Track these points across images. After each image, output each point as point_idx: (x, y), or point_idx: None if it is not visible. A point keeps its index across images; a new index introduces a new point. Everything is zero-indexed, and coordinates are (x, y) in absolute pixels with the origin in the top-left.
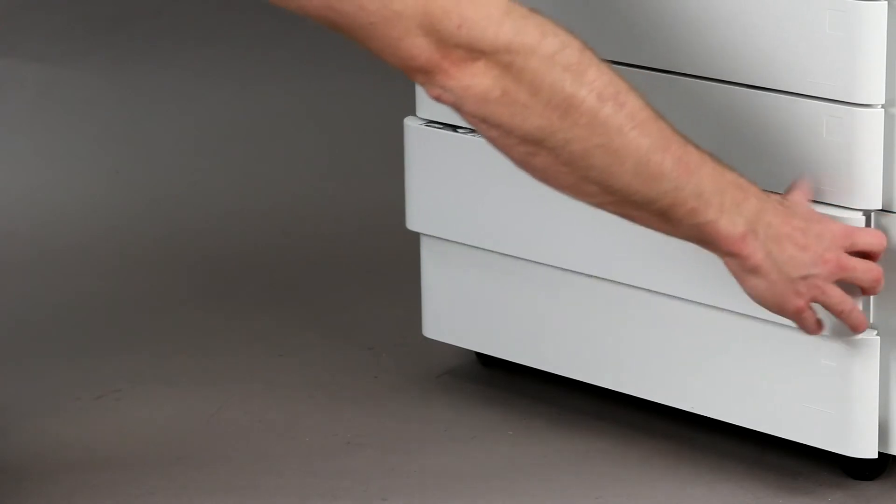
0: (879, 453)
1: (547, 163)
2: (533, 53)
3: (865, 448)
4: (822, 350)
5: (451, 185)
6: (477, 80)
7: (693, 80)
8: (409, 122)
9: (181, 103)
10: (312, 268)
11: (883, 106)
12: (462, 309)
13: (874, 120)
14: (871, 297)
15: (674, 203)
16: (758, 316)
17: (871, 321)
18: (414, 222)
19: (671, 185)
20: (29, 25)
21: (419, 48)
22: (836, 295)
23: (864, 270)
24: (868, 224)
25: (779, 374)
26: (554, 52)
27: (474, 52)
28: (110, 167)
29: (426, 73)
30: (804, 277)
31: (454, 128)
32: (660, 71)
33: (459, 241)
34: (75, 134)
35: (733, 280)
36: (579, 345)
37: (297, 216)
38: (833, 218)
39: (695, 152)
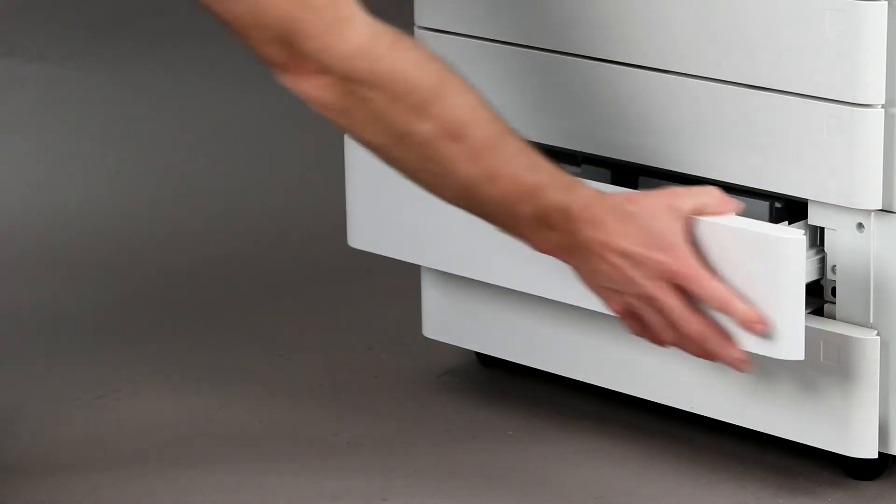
0: (879, 453)
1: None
2: (381, 91)
3: (865, 448)
4: (822, 350)
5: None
6: (321, 92)
7: (693, 80)
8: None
9: (181, 103)
10: (312, 268)
11: (883, 106)
12: (462, 309)
13: (874, 120)
14: (874, 299)
15: (490, 215)
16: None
17: (871, 321)
18: (354, 239)
19: (491, 209)
20: (29, 25)
21: (276, 55)
22: (656, 321)
23: (679, 317)
24: (864, 227)
25: (779, 373)
26: (402, 94)
27: (326, 71)
28: (110, 167)
29: (277, 68)
30: (614, 290)
31: None
32: (660, 71)
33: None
34: (75, 134)
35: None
36: (579, 345)
37: (297, 216)
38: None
39: (529, 179)
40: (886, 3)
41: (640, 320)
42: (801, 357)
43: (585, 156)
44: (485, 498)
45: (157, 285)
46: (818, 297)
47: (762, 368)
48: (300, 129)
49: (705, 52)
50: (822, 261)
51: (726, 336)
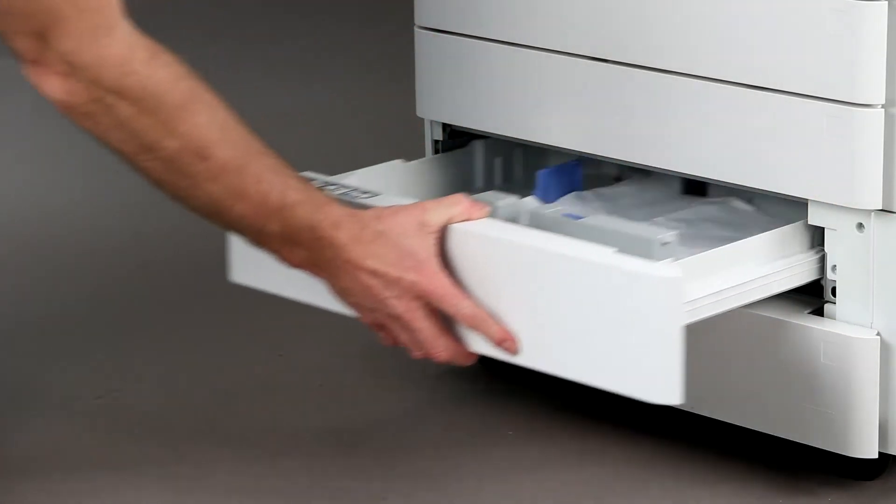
0: (879, 453)
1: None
2: (130, 103)
3: (865, 448)
4: (822, 350)
5: None
6: (65, 93)
7: (693, 79)
8: None
9: None
10: None
11: (883, 106)
12: None
13: (874, 120)
14: (874, 299)
15: (240, 230)
16: (758, 315)
17: (871, 321)
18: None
19: (240, 226)
20: None
21: (28, 47)
22: (406, 339)
23: (427, 340)
24: (864, 227)
25: (779, 373)
26: (151, 109)
27: (73, 73)
28: (110, 167)
29: (25, 61)
30: (366, 308)
31: None
32: (660, 71)
33: None
34: (75, 134)
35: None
36: None
37: None
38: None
39: (278, 199)
40: (886, 3)
41: (390, 332)
42: (678, 401)
43: (585, 156)
44: (484, 498)
45: (157, 285)
46: (818, 297)
47: (762, 368)
48: (301, 129)
49: (705, 52)
50: (822, 261)
51: (470, 354)
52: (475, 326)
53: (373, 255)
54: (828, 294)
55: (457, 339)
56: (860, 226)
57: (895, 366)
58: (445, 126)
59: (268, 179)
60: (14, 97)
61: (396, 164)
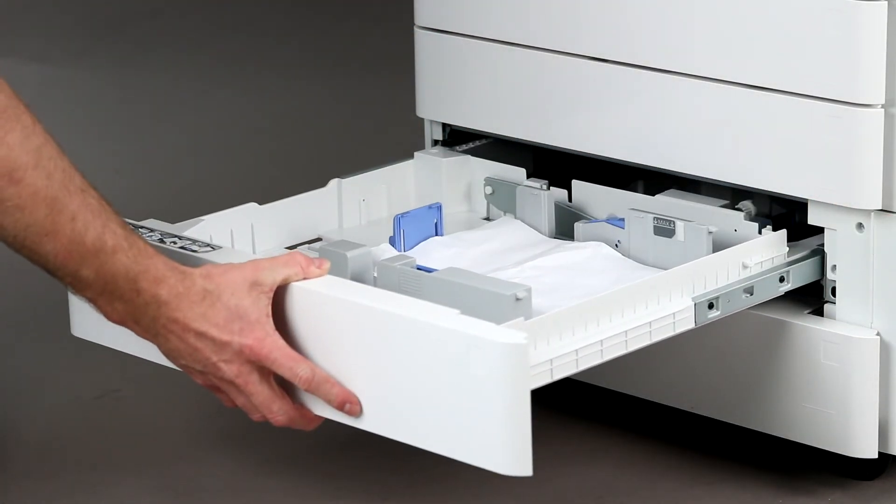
0: (879, 453)
1: None
2: None
3: (865, 448)
4: (822, 350)
5: None
6: None
7: (693, 79)
8: None
9: (181, 103)
10: None
11: (883, 106)
12: None
13: (874, 120)
14: (874, 299)
15: (53, 271)
16: (758, 315)
17: (872, 321)
18: None
19: (53, 265)
20: (29, 25)
21: None
22: (242, 402)
23: (262, 404)
24: (864, 227)
25: (779, 374)
26: None
27: None
28: (110, 167)
29: None
30: (197, 371)
31: None
32: (660, 71)
33: None
34: (75, 134)
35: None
36: None
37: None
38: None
39: (94, 240)
40: (886, 3)
41: (228, 397)
42: (527, 474)
43: (585, 156)
44: (485, 498)
45: None
46: (818, 297)
47: (762, 369)
48: (301, 128)
49: (705, 52)
50: (822, 261)
51: (312, 418)
52: (314, 391)
53: (200, 317)
54: (828, 294)
55: (298, 401)
56: (860, 226)
57: (895, 366)
58: (445, 126)
59: (85, 219)
60: None
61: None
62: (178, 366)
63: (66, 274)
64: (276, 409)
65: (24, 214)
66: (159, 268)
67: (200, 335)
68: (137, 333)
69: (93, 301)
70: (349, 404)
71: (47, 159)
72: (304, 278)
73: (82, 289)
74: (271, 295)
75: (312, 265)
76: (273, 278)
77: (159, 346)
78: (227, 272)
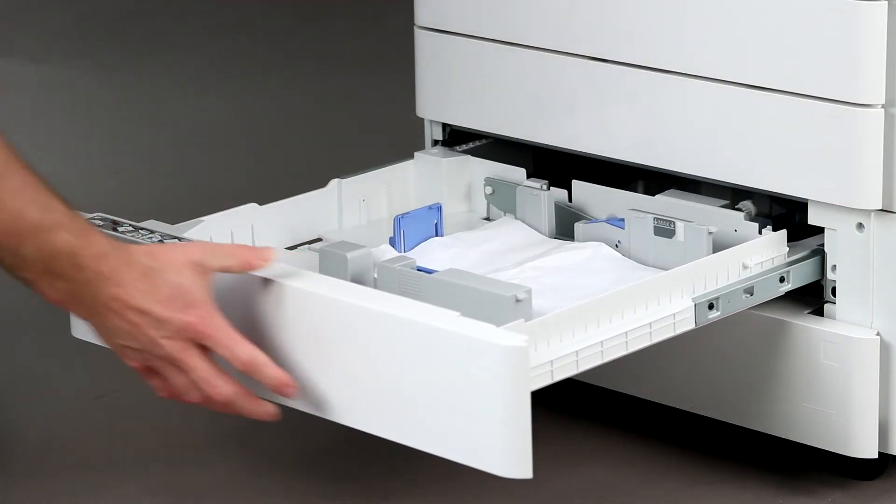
0: (879, 453)
1: None
2: None
3: (865, 448)
4: (822, 350)
5: None
6: None
7: (693, 79)
8: None
9: (181, 103)
10: None
11: (883, 106)
12: None
13: (874, 120)
14: (874, 299)
15: None
16: (758, 315)
17: (872, 321)
18: None
19: (4, 248)
20: (29, 25)
21: None
22: (180, 382)
23: (204, 380)
24: (864, 227)
25: (779, 374)
26: None
27: None
28: (110, 167)
29: None
30: (133, 349)
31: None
32: (660, 71)
33: None
34: (75, 134)
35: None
36: None
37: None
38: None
39: (35, 217)
40: (886, 3)
41: (164, 379)
42: (528, 476)
43: (585, 156)
44: (485, 498)
45: None
46: (818, 297)
47: (763, 369)
48: (301, 128)
49: (706, 53)
50: (822, 261)
51: (252, 395)
52: (252, 372)
53: (143, 293)
54: (828, 294)
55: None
56: (860, 226)
57: (895, 366)
58: (445, 126)
59: (24, 195)
60: (14, 97)
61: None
62: (112, 346)
63: (7, 254)
64: (218, 384)
65: None
66: (102, 244)
67: (142, 312)
68: (77, 314)
69: (33, 283)
70: (287, 387)
71: None
72: (250, 270)
73: (23, 269)
74: (212, 277)
75: (257, 259)
76: (216, 263)
77: (97, 326)
78: (170, 251)
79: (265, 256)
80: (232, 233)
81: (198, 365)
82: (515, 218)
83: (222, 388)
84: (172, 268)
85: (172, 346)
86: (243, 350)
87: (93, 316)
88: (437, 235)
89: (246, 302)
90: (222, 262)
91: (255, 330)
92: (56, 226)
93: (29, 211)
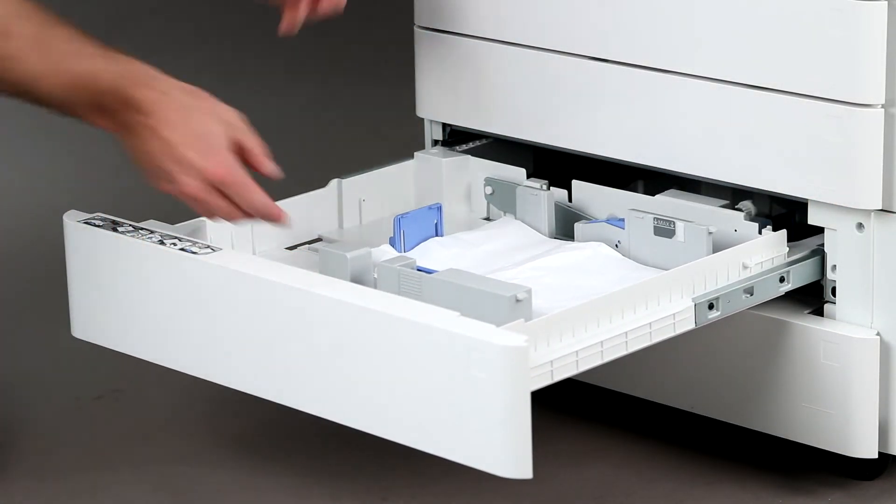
0: (879, 453)
1: None
2: None
3: (865, 448)
4: (822, 350)
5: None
6: None
7: (693, 79)
8: (68, 220)
9: None
10: None
11: (883, 106)
12: None
13: (874, 120)
14: (874, 299)
15: (50, 107)
16: (758, 315)
17: (872, 321)
18: (77, 329)
19: (49, 101)
20: None
21: None
22: (204, 210)
23: (223, 210)
24: (864, 227)
25: (779, 374)
26: None
27: None
28: (110, 167)
29: None
30: (162, 178)
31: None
32: (660, 71)
33: (121, 350)
34: (75, 134)
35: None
36: None
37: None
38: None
39: (81, 67)
40: (886, 3)
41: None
42: (528, 476)
43: (585, 156)
44: (485, 498)
45: None
46: (818, 297)
47: (762, 369)
48: (301, 128)
49: (706, 53)
50: (822, 261)
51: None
52: (265, 218)
53: (172, 126)
54: (828, 294)
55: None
56: (860, 226)
57: (895, 366)
58: (445, 126)
59: (67, 50)
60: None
61: None
62: (146, 170)
63: (62, 106)
64: (238, 216)
65: (21, 63)
66: (140, 74)
67: (169, 145)
68: (120, 137)
69: (84, 117)
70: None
71: (24, 5)
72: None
73: (75, 112)
74: (234, 135)
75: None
76: (242, 137)
77: (133, 147)
78: (210, 100)
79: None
80: (232, 233)
81: (219, 204)
82: (515, 218)
83: (242, 213)
84: (205, 113)
85: (190, 185)
86: (257, 198)
87: (130, 137)
88: (437, 235)
89: (246, 302)
90: (248, 141)
91: (255, 329)
92: (99, 71)
93: (74, 64)
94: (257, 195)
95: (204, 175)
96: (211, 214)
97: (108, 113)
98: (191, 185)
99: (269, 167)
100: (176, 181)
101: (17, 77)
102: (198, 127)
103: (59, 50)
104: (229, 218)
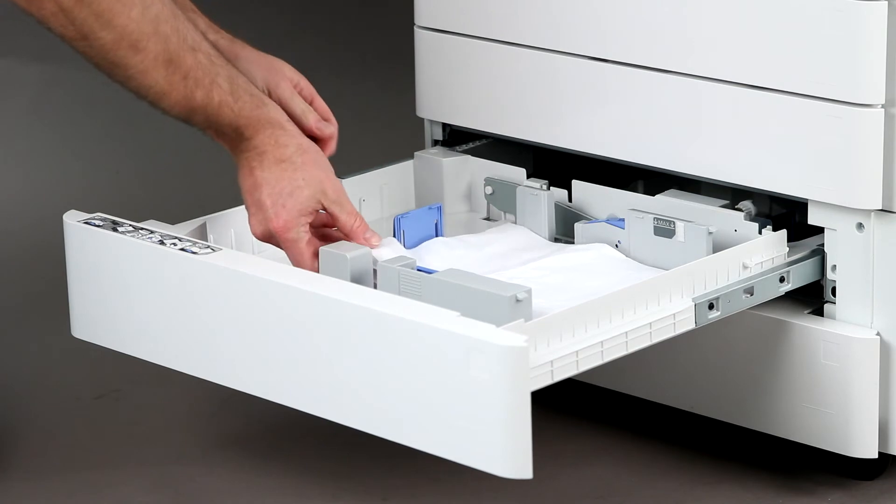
0: (879, 453)
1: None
2: None
3: (865, 448)
4: (821, 350)
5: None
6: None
7: (693, 79)
8: (68, 220)
9: None
10: None
11: (883, 106)
12: None
13: (874, 120)
14: (874, 299)
15: (173, 117)
16: (758, 315)
17: (872, 321)
18: (78, 329)
19: (172, 114)
20: (29, 25)
21: None
22: (292, 259)
23: (302, 259)
24: (864, 227)
25: (779, 374)
26: (87, 0)
27: None
28: (110, 167)
29: None
30: (247, 209)
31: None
32: (660, 71)
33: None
34: (75, 134)
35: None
36: None
37: None
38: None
39: (202, 96)
40: (886, 3)
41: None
42: (528, 476)
43: (585, 156)
44: (485, 498)
45: None
46: (818, 297)
47: (762, 368)
48: None
49: (706, 53)
50: (822, 261)
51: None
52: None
53: (266, 174)
54: (828, 294)
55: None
56: (860, 226)
57: (895, 366)
58: (445, 126)
59: (195, 77)
60: (14, 97)
61: None
62: (243, 199)
63: (181, 119)
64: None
65: (146, 78)
66: (260, 120)
67: (254, 187)
68: (235, 162)
69: (205, 133)
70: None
71: (163, 23)
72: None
73: (198, 128)
74: (316, 212)
75: (371, 240)
76: (331, 206)
77: (238, 173)
78: (318, 163)
79: (370, 239)
80: (233, 232)
81: (297, 252)
82: (515, 218)
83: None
84: (303, 175)
85: (259, 232)
86: (304, 262)
87: (239, 168)
88: (437, 235)
89: (246, 302)
90: (336, 213)
91: (255, 330)
92: (220, 105)
93: (197, 92)
94: (304, 261)
95: (268, 225)
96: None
97: (227, 140)
98: (256, 229)
99: (362, 241)
100: (249, 220)
101: (142, 89)
102: (288, 182)
103: (187, 75)
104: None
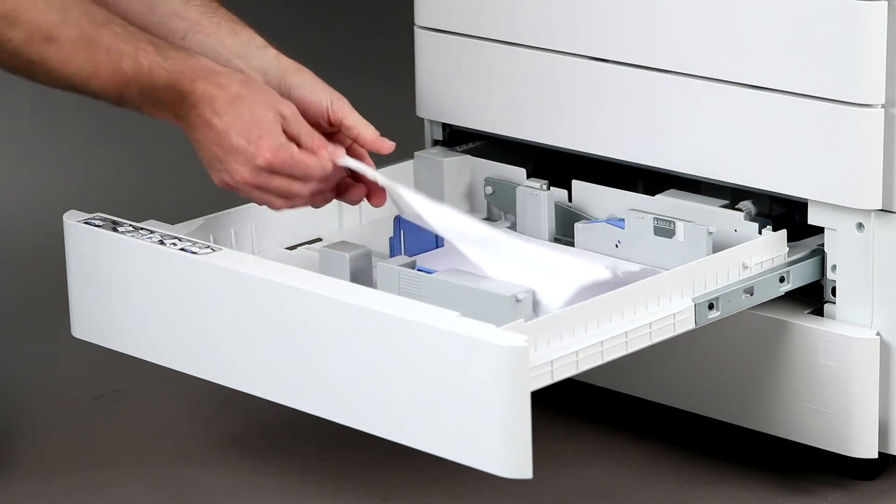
0: (879, 453)
1: None
2: None
3: (865, 448)
4: (821, 350)
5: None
6: None
7: (693, 79)
8: (68, 220)
9: None
10: None
11: (883, 106)
12: None
13: (874, 120)
14: (874, 299)
15: (106, 100)
16: (758, 315)
17: (872, 321)
18: (78, 329)
19: (103, 97)
20: None
21: None
22: (258, 198)
23: (282, 190)
24: (864, 227)
25: (779, 374)
26: None
27: None
28: (110, 167)
29: None
30: (219, 161)
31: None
32: (660, 71)
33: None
34: (75, 134)
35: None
36: None
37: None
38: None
39: (130, 66)
40: (886, 3)
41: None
42: (528, 476)
43: (585, 156)
44: (485, 498)
45: None
46: (818, 297)
47: (762, 369)
48: None
49: (705, 52)
50: (822, 261)
51: (325, 193)
52: (326, 180)
53: (226, 117)
54: (828, 294)
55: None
56: (860, 226)
57: (895, 366)
58: (445, 126)
59: (117, 48)
60: (14, 97)
61: None
62: (201, 159)
63: (116, 100)
64: (297, 190)
65: (69, 65)
66: (194, 68)
67: (221, 134)
68: (176, 124)
69: (139, 109)
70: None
71: (70, 8)
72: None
73: (129, 104)
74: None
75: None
76: (295, 129)
77: (188, 136)
78: (265, 91)
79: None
80: (233, 232)
81: (277, 186)
82: (515, 218)
83: (302, 194)
84: (256, 102)
85: (245, 173)
86: (311, 162)
87: (186, 127)
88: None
89: (246, 302)
90: (304, 135)
91: (255, 330)
92: (150, 67)
93: (123, 62)
94: (311, 160)
95: (253, 161)
96: (271, 202)
97: (166, 106)
98: (241, 171)
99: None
100: (228, 170)
101: (67, 78)
102: (246, 114)
103: (109, 49)
104: (289, 197)
